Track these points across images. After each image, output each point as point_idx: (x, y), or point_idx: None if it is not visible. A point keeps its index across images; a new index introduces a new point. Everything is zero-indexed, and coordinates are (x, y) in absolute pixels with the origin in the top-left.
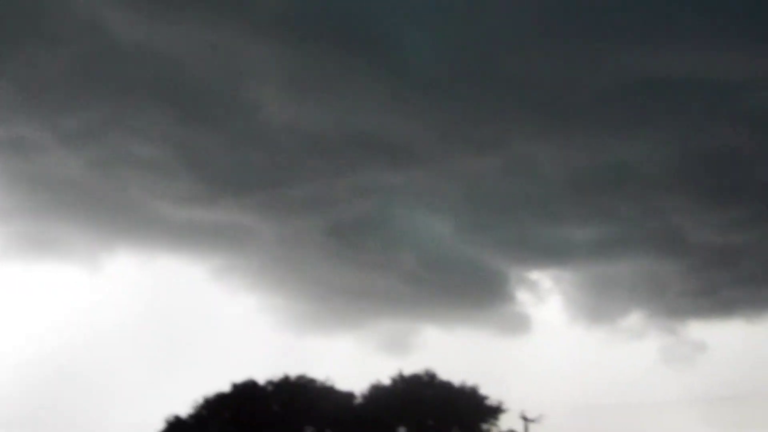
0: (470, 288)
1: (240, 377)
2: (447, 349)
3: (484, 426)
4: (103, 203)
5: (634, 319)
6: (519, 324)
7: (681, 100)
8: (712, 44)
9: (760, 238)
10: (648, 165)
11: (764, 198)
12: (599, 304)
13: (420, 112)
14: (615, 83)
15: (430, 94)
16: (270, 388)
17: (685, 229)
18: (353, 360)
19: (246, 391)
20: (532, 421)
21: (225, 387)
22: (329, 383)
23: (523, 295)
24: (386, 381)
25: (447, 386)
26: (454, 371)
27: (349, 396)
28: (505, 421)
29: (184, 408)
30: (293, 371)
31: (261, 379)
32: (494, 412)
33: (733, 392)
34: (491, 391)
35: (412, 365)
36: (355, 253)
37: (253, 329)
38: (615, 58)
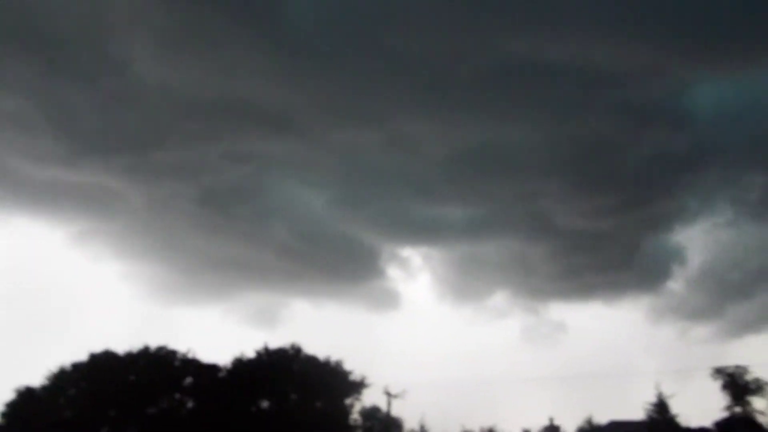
0: (342, 263)
1: (99, 347)
2: (316, 324)
3: (348, 400)
4: None
5: (500, 298)
6: (389, 300)
7: (558, 86)
8: (592, 34)
9: (621, 226)
10: (522, 149)
11: (629, 188)
12: (467, 283)
13: (301, 81)
14: (496, 65)
15: (313, 64)
16: (129, 358)
17: (553, 213)
18: (219, 332)
19: (103, 362)
20: (396, 396)
21: (82, 357)
22: (191, 355)
23: (394, 272)
24: (251, 354)
25: (312, 360)
26: (321, 346)
27: (213, 368)
28: (369, 395)
29: (38, 378)
30: (156, 342)
31: (120, 349)
32: (358, 386)
33: (590, 370)
34: (358, 367)
35: (279, 339)
36: (226, 222)
37: (115, 298)
38: (497, 40)
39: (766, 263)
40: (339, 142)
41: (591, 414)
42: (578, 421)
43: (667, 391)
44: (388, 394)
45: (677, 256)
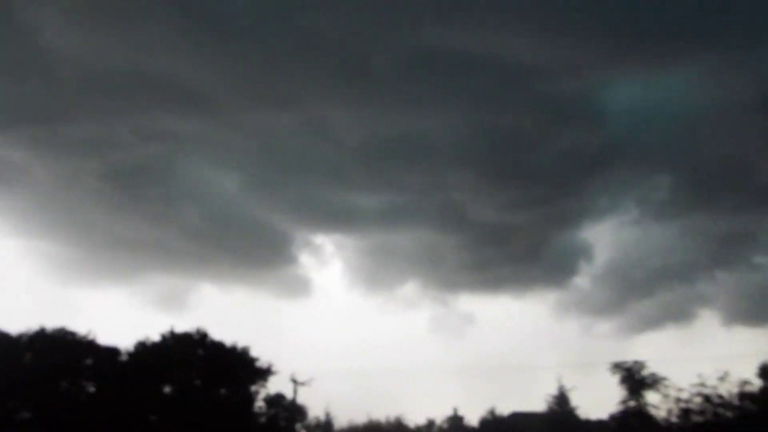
0: (253, 248)
1: None
2: (224, 309)
3: (253, 388)
4: None
5: (410, 288)
6: (299, 287)
7: (477, 78)
8: (512, 28)
9: (532, 221)
10: (438, 139)
11: (541, 183)
12: (378, 272)
13: (218, 60)
14: (416, 54)
15: (231, 43)
16: (24, 340)
17: (467, 205)
18: (124, 315)
19: None
20: (302, 384)
21: None
22: (91, 337)
23: (306, 259)
24: (156, 338)
25: (218, 346)
26: (229, 332)
27: (113, 351)
28: (275, 383)
29: None
30: (54, 323)
31: (14, 330)
32: (264, 374)
33: (496, 363)
34: (265, 353)
35: (186, 323)
36: (134, 201)
37: (13, 275)
38: (418, 28)
39: (668, 262)
40: (254, 125)
41: (494, 405)
42: (482, 412)
43: (568, 384)
44: (295, 382)
45: (584, 252)
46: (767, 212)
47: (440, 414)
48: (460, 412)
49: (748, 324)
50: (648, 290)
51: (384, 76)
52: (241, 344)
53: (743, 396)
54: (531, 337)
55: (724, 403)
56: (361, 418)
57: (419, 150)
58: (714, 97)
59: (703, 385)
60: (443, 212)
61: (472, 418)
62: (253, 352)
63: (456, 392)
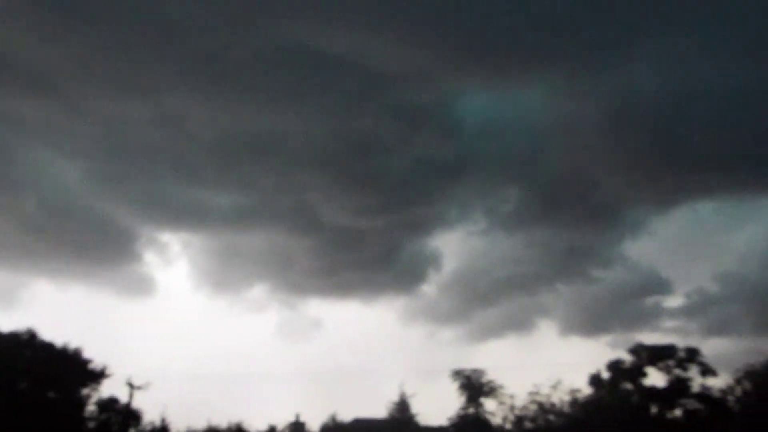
0: (94, 243)
1: None
2: (60, 307)
3: (84, 391)
4: None
5: (258, 291)
6: (143, 286)
7: (337, 80)
8: (373, 32)
9: (384, 227)
10: (294, 140)
11: (395, 189)
12: (226, 273)
13: (67, 42)
14: (275, 51)
15: (83, 26)
16: None
17: (320, 208)
18: None
19: None
20: (139, 387)
21: None
22: None
23: (150, 257)
24: None
25: (48, 347)
26: (63, 332)
27: None
28: (110, 386)
29: None
30: None
31: None
32: (97, 376)
33: (341, 368)
34: (101, 355)
35: (15, 322)
36: None
37: None
38: (279, 25)
39: (512, 272)
40: (104, 112)
41: (336, 411)
42: (324, 418)
43: (410, 390)
44: (131, 386)
45: (434, 260)
46: (606, 228)
47: (282, 420)
48: (303, 418)
49: (583, 335)
50: (492, 299)
51: (243, 71)
52: (74, 345)
53: (573, 403)
54: (378, 344)
55: (556, 411)
56: (200, 424)
57: (275, 149)
58: (561, 114)
59: (537, 393)
60: (296, 214)
61: (314, 425)
62: (87, 354)
63: (300, 398)
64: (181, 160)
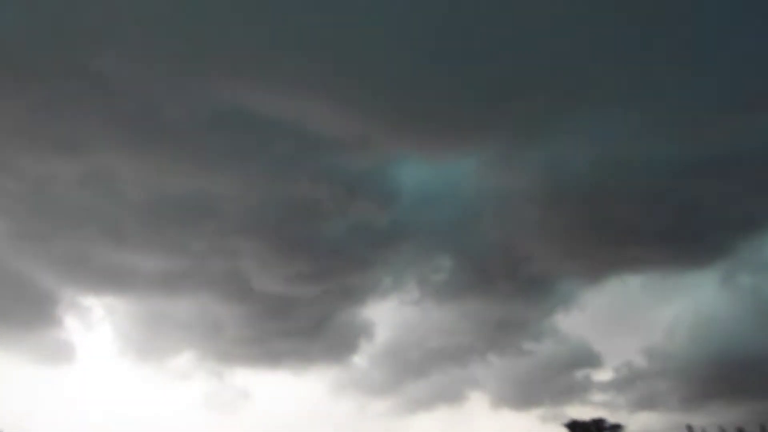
0: (11, 305)
1: None
2: None
3: None
4: None
5: (185, 359)
6: (62, 353)
7: (274, 143)
8: (310, 95)
9: (317, 296)
10: (228, 203)
11: (330, 257)
12: (152, 340)
13: None
14: (212, 112)
15: (4, 74)
16: None
17: (252, 275)
18: None
19: None
20: None
21: None
22: None
23: (71, 321)
24: None
25: None
26: None
27: None
28: None
29: None
30: None
31: None
32: None
33: None
34: (15, 426)
35: None
36: None
37: None
38: (214, 83)
39: (444, 344)
40: (27, 169)
41: None
42: None
43: None
44: None
45: (366, 330)
46: (538, 300)
47: None
48: None
49: (514, 407)
50: (423, 371)
51: (175, 131)
52: None
53: None
54: (307, 416)
55: None
56: None
57: (207, 213)
58: (495, 185)
59: None
60: (227, 281)
61: None
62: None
63: None
64: (109, 221)
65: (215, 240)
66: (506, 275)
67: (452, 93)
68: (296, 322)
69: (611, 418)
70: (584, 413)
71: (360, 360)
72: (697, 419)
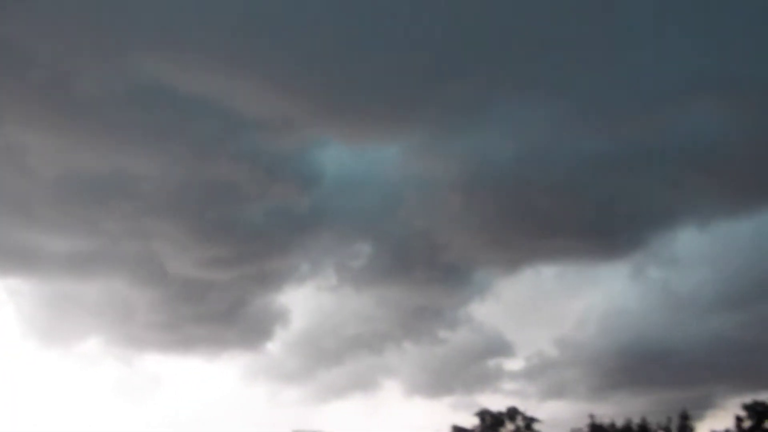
0: None
1: None
2: None
3: None
4: None
5: (92, 344)
6: None
7: (194, 122)
8: (234, 73)
9: (233, 280)
10: (144, 183)
11: (247, 241)
12: (58, 323)
13: None
14: (132, 88)
15: None
16: None
17: (165, 257)
18: None
19: None
20: None
21: None
22: None
23: None
24: None
25: None
26: None
27: None
28: None
29: None
30: None
31: None
32: None
33: (178, 429)
34: None
35: None
36: None
37: None
38: (134, 56)
39: (360, 331)
40: None
41: None
42: None
43: None
44: None
45: (281, 317)
46: (454, 288)
47: None
48: None
49: (427, 395)
50: (338, 358)
51: (91, 105)
52: None
53: None
54: (219, 403)
55: None
56: None
57: (122, 192)
58: (417, 172)
59: None
60: (140, 263)
61: None
62: None
63: None
64: (18, 198)
65: (129, 220)
66: (425, 263)
67: (379, 78)
68: (210, 307)
69: (521, 406)
70: (495, 402)
71: (274, 347)
72: (604, 409)
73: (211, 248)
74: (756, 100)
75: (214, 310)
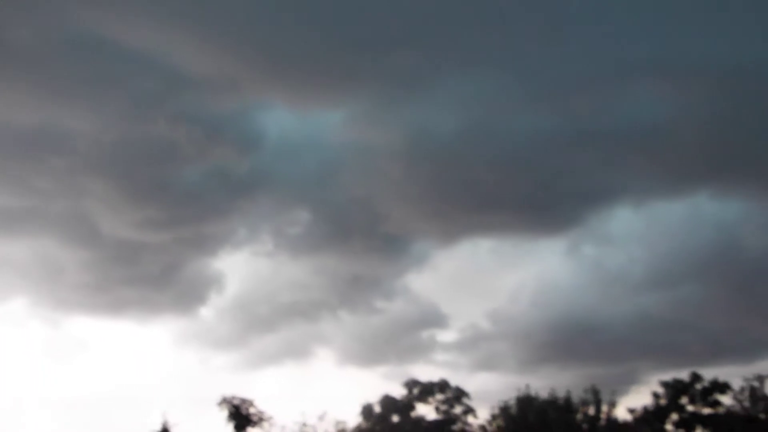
0: None
1: None
2: None
3: None
4: None
5: (18, 305)
6: None
7: (134, 77)
8: (177, 29)
9: (168, 243)
10: (79, 139)
11: (184, 203)
12: None
13: None
14: (65, 35)
15: None
16: None
17: (98, 217)
18: None
19: None
20: None
21: None
22: None
23: None
24: None
25: None
26: None
27: None
28: None
29: None
30: None
31: None
32: None
33: (106, 394)
34: None
35: None
36: None
37: None
38: (72, 11)
39: (295, 298)
40: None
41: None
42: None
43: (177, 419)
44: None
45: (216, 282)
46: (392, 259)
47: None
48: None
49: (360, 365)
50: (273, 325)
51: (25, 55)
52: None
53: None
54: (149, 367)
55: None
56: None
57: (54, 148)
58: (359, 140)
59: (303, 424)
60: (71, 222)
61: None
62: None
63: (54, 426)
64: None
65: (60, 178)
66: (363, 232)
67: (326, 44)
68: (143, 270)
69: (452, 377)
70: (426, 372)
71: (208, 312)
72: (532, 381)
73: (145, 209)
74: (696, 85)
75: (147, 273)
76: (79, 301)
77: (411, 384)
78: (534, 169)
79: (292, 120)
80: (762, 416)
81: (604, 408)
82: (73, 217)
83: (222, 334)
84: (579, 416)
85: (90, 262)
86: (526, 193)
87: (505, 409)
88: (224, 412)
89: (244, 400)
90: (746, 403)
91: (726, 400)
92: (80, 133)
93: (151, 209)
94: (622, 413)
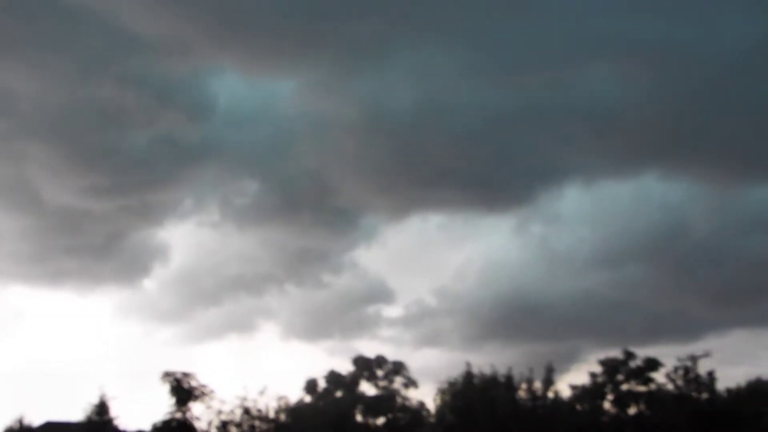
0: None
1: None
2: None
3: None
4: None
5: None
6: None
7: (81, 37)
8: None
9: (112, 212)
10: (21, 101)
11: (129, 170)
12: None
13: None
14: None
15: None
16: None
17: (38, 183)
18: None
19: None
20: None
21: None
22: None
23: None
24: None
25: None
26: None
27: None
28: None
29: None
30: None
31: None
32: None
33: (43, 366)
34: None
35: None
36: None
37: None
38: None
39: (240, 271)
40: None
41: (24, 413)
42: (9, 420)
43: (117, 392)
44: None
45: (160, 253)
46: (341, 232)
47: None
48: None
49: (304, 339)
50: (217, 298)
51: None
52: None
53: (280, 409)
54: (88, 340)
55: (262, 417)
56: None
57: None
58: (312, 111)
59: (245, 398)
60: (11, 188)
61: None
62: None
63: None
64: None
65: (1, 141)
66: (313, 205)
67: (281, 10)
68: (85, 239)
69: (396, 353)
70: (371, 348)
71: (151, 284)
72: (476, 358)
73: (89, 176)
74: (648, 68)
75: (89, 242)
76: (17, 270)
77: (359, 361)
78: (486, 145)
79: (245, 87)
80: (694, 395)
81: (538, 385)
82: (13, 183)
83: (165, 306)
84: (521, 393)
85: (29, 230)
86: (478, 170)
87: (451, 386)
88: (166, 386)
89: (186, 374)
90: (680, 382)
91: (660, 377)
92: (22, 94)
93: (96, 176)
94: (565, 391)
